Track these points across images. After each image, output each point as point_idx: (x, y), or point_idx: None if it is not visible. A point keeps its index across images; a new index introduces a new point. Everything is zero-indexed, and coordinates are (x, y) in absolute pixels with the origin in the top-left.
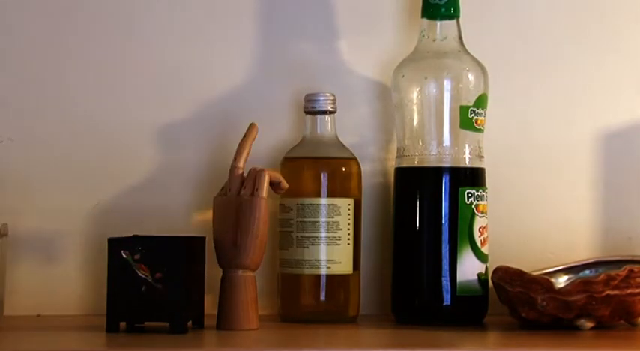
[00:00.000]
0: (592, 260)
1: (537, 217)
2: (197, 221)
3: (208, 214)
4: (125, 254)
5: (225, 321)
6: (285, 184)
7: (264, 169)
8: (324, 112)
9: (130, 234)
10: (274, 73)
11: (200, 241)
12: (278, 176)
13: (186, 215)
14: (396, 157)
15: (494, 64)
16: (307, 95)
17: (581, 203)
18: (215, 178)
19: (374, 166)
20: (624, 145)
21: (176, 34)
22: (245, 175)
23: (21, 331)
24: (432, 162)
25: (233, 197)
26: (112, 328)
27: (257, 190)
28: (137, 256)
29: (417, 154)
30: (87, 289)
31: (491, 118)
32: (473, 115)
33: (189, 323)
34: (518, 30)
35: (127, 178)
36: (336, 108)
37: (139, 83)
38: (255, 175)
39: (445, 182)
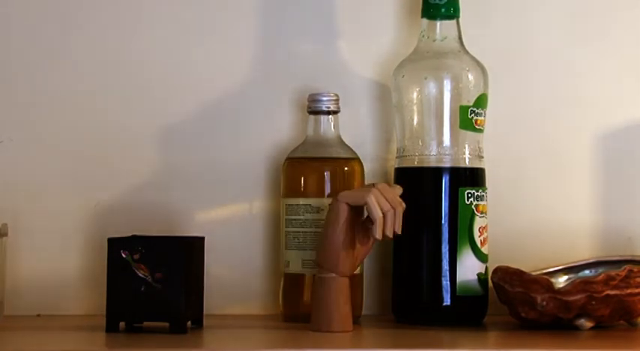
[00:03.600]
0: (592, 260)
1: (537, 217)
2: (197, 221)
3: (208, 214)
4: (125, 254)
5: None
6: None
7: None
8: (328, 112)
9: (130, 234)
10: (275, 73)
11: (200, 241)
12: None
13: (186, 215)
14: (396, 157)
15: (494, 64)
16: (311, 95)
17: (581, 203)
18: (215, 178)
19: (374, 166)
20: (624, 145)
21: (176, 34)
22: None
23: (21, 331)
24: (431, 162)
25: None
26: (111, 328)
27: None
28: (137, 256)
29: (416, 154)
30: (87, 289)
31: (491, 118)
32: (473, 115)
33: (189, 323)
34: (518, 30)
35: (128, 178)
36: (339, 108)
37: (139, 83)
38: None
39: (445, 182)
